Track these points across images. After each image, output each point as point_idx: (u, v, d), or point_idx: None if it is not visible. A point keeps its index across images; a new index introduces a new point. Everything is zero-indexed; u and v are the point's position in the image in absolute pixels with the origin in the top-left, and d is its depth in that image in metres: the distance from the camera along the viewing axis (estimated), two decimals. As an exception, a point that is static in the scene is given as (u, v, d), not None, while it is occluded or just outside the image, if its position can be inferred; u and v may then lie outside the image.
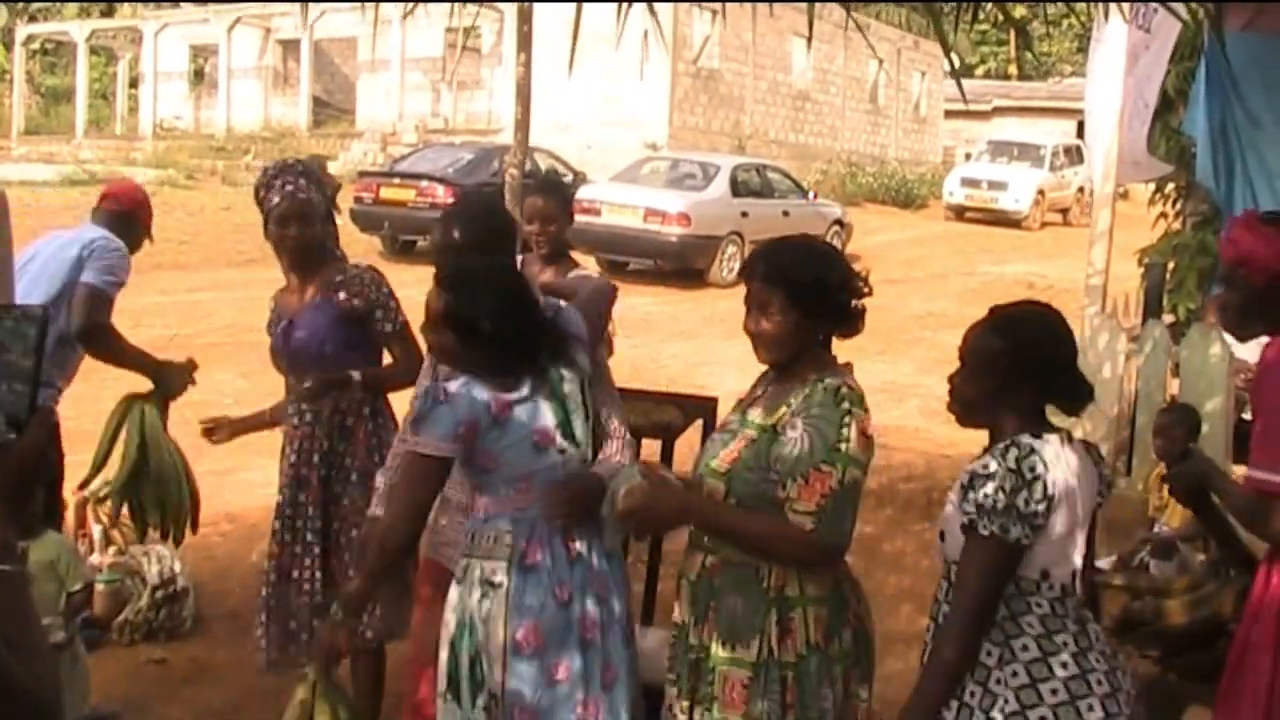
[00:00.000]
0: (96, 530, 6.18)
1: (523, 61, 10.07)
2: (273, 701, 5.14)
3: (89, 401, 5.50)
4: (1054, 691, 2.86)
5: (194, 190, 25.50)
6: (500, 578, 3.49)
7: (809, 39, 4.31)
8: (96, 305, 5.30)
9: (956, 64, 6.95)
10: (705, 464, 3.30)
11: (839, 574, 3.26)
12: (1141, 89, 7.23)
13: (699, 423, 4.70)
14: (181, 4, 39.51)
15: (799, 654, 3.14)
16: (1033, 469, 2.85)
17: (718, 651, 3.20)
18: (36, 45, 40.97)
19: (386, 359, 4.69)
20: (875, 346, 13.72)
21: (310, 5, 30.44)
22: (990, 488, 2.85)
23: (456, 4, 5.15)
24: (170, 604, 5.95)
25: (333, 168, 28.51)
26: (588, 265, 5.88)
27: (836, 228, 22.06)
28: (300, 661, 4.57)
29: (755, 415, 3.25)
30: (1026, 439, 2.91)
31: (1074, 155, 31.56)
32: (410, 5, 4.72)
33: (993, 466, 2.87)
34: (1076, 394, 3.08)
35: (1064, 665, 2.88)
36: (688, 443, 4.61)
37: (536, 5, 9.97)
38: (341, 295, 4.54)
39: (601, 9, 4.19)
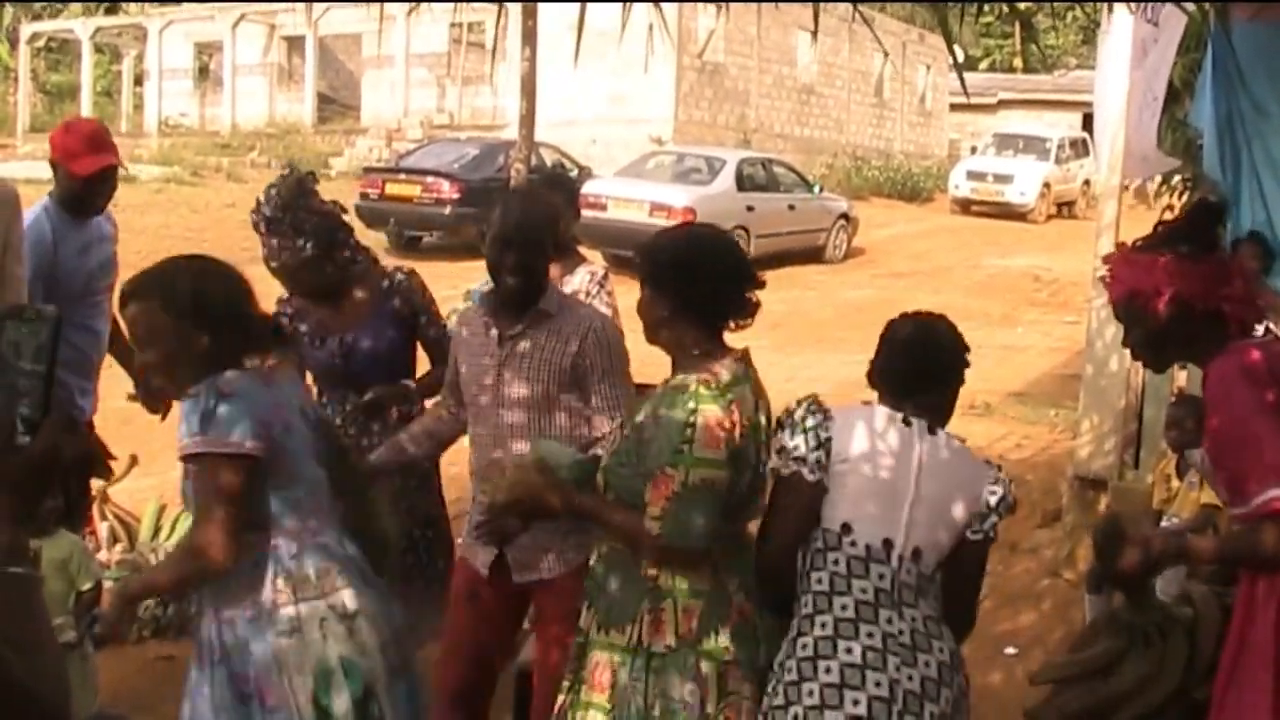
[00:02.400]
0: (103, 528, 6.19)
1: (527, 57, 10.07)
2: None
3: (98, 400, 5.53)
4: (804, 646, 3.02)
5: (199, 187, 25.51)
6: (354, 605, 3.20)
7: (814, 33, 4.31)
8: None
9: (961, 57, 6.89)
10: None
11: (723, 568, 3.23)
12: (1150, 83, 7.20)
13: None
14: (185, 1, 39.48)
15: (668, 645, 3.17)
16: (813, 414, 3.14)
17: (595, 635, 3.28)
18: (41, 43, 40.98)
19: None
20: (881, 340, 13.66)
21: (314, 2, 30.44)
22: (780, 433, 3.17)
23: (460, 1, 5.12)
24: (178, 601, 5.95)
25: (338, 164, 28.51)
26: (594, 259, 5.88)
27: (842, 221, 22.07)
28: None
29: (640, 404, 3.36)
30: (847, 406, 3.26)
31: (1080, 148, 31.52)
32: (414, 1, 4.69)
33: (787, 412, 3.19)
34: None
35: (823, 625, 3.03)
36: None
37: (541, 2, 9.96)
38: (397, 302, 4.53)
39: (606, 4, 4.18)
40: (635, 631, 3.20)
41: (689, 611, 3.17)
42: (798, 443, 3.09)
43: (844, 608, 3.04)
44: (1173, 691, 3.39)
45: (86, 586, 4.62)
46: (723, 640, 3.17)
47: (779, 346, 12.85)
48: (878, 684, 2.97)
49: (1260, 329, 3.16)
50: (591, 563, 3.39)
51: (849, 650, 3.00)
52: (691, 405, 3.10)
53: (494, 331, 3.94)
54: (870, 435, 3.12)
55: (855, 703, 2.94)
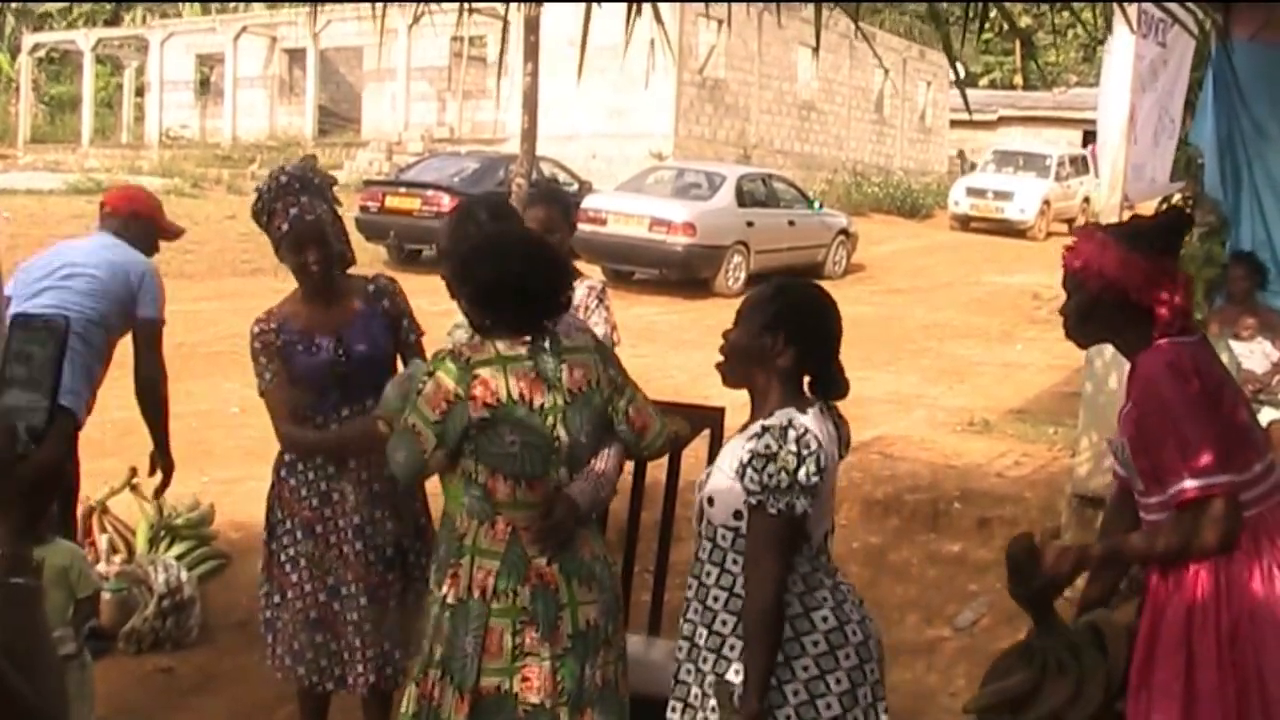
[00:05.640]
0: (102, 540, 6.18)
1: (529, 72, 10.07)
2: (279, 711, 5.15)
3: (95, 410, 5.51)
4: (815, 643, 3.15)
5: (200, 199, 25.54)
6: None
7: (815, 49, 4.32)
8: (160, 343, 5.58)
9: (961, 73, 6.91)
10: None
11: (520, 533, 3.46)
12: (1165, 105, 7.22)
13: (706, 433, 4.69)
14: (184, 8, 39.58)
15: (459, 598, 3.46)
16: (808, 445, 3.09)
17: (434, 592, 3.61)
18: (42, 54, 41.05)
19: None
20: (881, 357, 13.69)
21: (316, 15, 30.50)
22: (773, 468, 3.07)
23: (463, 13, 5.12)
24: (177, 613, 5.95)
25: (338, 177, 28.49)
26: (593, 274, 5.87)
27: (842, 237, 22.08)
28: (334, 689, 4.50)
29: None
30: (799, 418, 3.13)
31: (1080, 165, 31.56)
32: (419, 10, 4.69)
33: (774, 448, 3.08)
34: (829, 380, 3.28)
35: (824, 619, 3.17)
36: (695, 453, 4.60)
37: (543, 17, 9.97)
38: (386, 303, 4.48)
39: (608, 20, 4.19)
40: (444, 589, 3.50)
41: (484, 570, 3.44)
42: (815, 480, 3.10)
43: (824, 600, 3.19)
44: (1096, 710, 3.44)
45: (84, 595, 4.61)
46: (521, 600, 3.42)
47: (778, 362, 12.84)
48: (854, 633, 3.20)
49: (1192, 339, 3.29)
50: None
51: (824, 619, 3.17)
52: (432, 367, 3.47)
53: None
54: (827, 442, 3.18)
55: (847, 656, 3.17)
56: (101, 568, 5.95)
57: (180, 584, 6.00)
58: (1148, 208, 10.67)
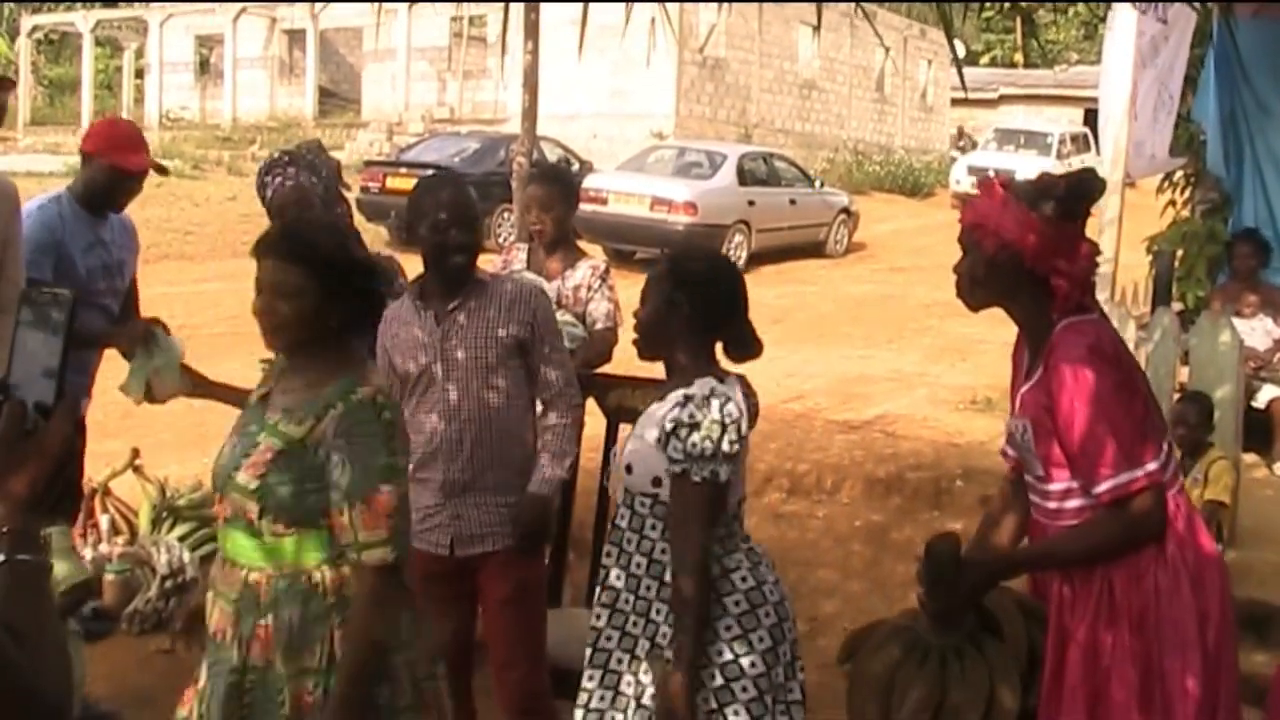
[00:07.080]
0: (104, 520, 6.19)
1: (530, 50, 10.04)
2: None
3: (96, 393, 5.49)
4: (737, 603, 3.22)
5: (200, 180, 25.51)
6: None
7: (816, 27, 4.29)
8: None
9: (961, 52, 6.86)
10: (226, 476, 3.05)
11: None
12: (1165, 81, 7.21)
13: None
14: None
15: None
16: (731, 414, 3.15)
17: (281, 669, 2.99)
18: (41, 36, 40.97)
19: None
20: (883, 335, 13.67)
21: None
22: (698, 436, 3.12)
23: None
24: (179, 594, 5.94)
25: (338, 157, 28.47)
26: (595, 254, 5.87)
27: (843, 216, 22.06)
28: None
29: (277, 420, 3.04)
30: (720, 386, 3.20)
31: (1081, 143, 31.51)
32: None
33: (698, 417, 3.14)
34: (741, 340, 3.35)
35: (743, 579, 3.24)
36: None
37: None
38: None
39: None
40: (323, 651, 2.98)
41: None
42: (737, 448, 3.17)
43: (741, 562, 3.28)
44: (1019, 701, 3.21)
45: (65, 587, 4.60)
46: (405, 634, 3.04)
47: (779, 341, 12.83)
48: (770, 592, 3.30)
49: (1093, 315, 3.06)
50: (233, 595, 3.05)
51: (743, 579, 3.26)
52: (387, 416, 2.97)
53: (428, 313, 4.04)
54: (746, 410, 3.24)
55: (767, 615, 3.26)
56: (104, 548, 5.95)
57: (183, 565, 6.00)
58: (1150, 184, 10.70)
